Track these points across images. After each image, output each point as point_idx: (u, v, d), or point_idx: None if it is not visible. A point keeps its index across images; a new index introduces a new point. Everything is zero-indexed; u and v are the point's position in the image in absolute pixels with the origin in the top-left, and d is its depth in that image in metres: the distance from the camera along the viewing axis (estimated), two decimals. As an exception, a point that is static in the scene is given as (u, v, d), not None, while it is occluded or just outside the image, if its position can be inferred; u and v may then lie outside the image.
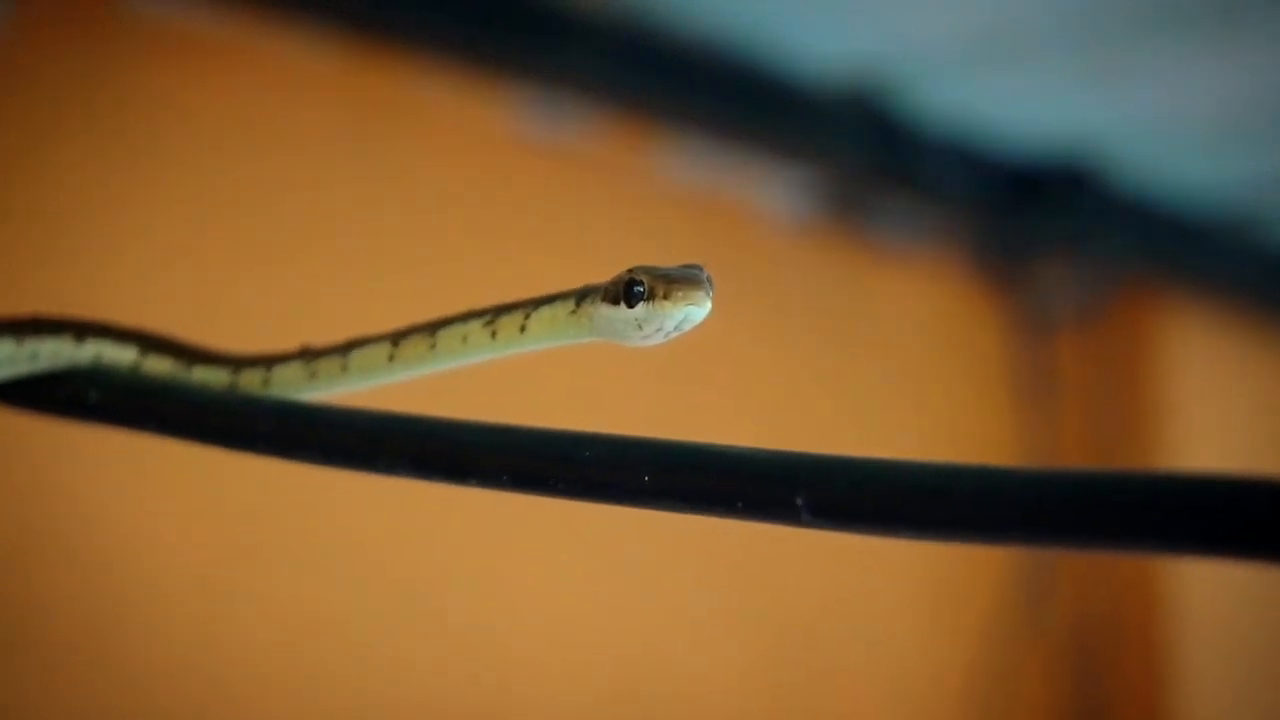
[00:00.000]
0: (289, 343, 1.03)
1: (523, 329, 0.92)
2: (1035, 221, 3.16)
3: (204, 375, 0.99)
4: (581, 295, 0.91)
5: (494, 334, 0.93)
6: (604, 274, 0.97)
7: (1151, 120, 2.96)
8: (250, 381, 0.98)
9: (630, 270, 0.88)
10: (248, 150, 2.41)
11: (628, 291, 0.88)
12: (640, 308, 0.87)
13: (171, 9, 2.35)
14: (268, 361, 0.98)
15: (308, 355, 0.98)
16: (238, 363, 0.99)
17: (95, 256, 2.26)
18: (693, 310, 0.87)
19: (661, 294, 0.87)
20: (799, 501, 0.78)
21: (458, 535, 2.54)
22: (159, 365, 0.99)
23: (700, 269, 0.88)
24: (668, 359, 2.75)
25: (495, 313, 0.93)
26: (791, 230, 2.99)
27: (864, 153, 2.94)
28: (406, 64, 2.54)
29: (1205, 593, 3.23)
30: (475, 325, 0.94)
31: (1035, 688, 3.17)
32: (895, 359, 3.11)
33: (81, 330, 1.00)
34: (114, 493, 2.23)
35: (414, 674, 2.46)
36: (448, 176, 2.61)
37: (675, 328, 0.88)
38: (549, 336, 0.92)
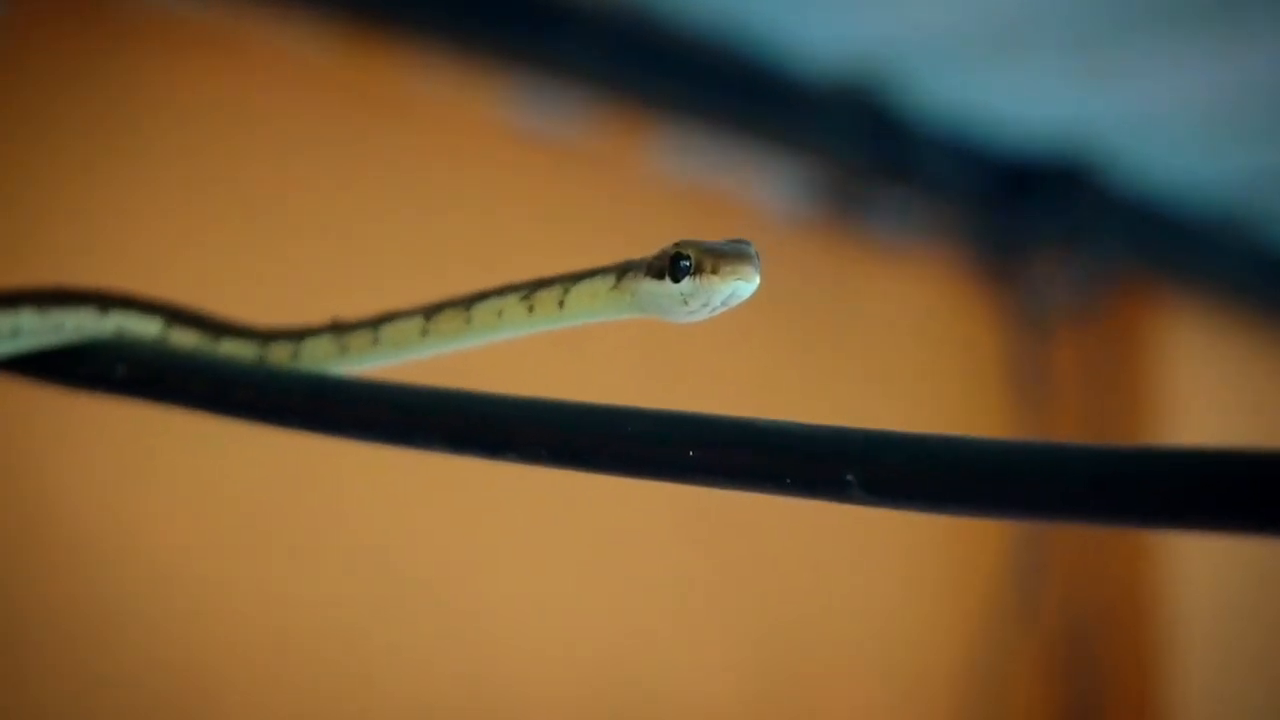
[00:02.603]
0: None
1: (561, 304, 0.90)
2: (1031, 217, 3.15)
3: (231, 348, 0.96)
4: (623, 270, 0.88)
5: (531, 309, 0.91)
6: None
7: (1149, 116, 2.95)
8: (279, 355, 0.95)
9: (676, 244, 0.85)
10: (243, 142, 2.40)
11: (674, 266, 0.85)
12: (686, 282, 0.84)
13: (167, 0, 2.34)
14: (297, 335, 0.95)
15: (338, 329, 0.95)
16: (266, 336, 0.96)
17: (92, 251, 2.25)
18: (741, 285, 0.84)
19: (710, 268, 0.84)
20: (850, 478, 0.76)
21: (452, 527, 2.53)
22: (185, 338, 0.97)
23: (748, 244, 0.86)
24: (659, 354, 2.74)
25: (532, 287, 0.91)
26: (786, 224, 2.98)
27: (860, 146, 2.93)
28: (401, 54, 2.52)
29: (1198, 584, 3.23)
30: (512, 300, 0.91)
31: (1028, 681, 3.16)
32: (889, 354, 3.10)
33: (105, 302, 0.98)
34: (113, 490, 2.22)
35: (406, 664, 2.44)
36: (442, 167, 2.60)
37: (722, 303, 0.85)
38: (588, 312, 0.90)
